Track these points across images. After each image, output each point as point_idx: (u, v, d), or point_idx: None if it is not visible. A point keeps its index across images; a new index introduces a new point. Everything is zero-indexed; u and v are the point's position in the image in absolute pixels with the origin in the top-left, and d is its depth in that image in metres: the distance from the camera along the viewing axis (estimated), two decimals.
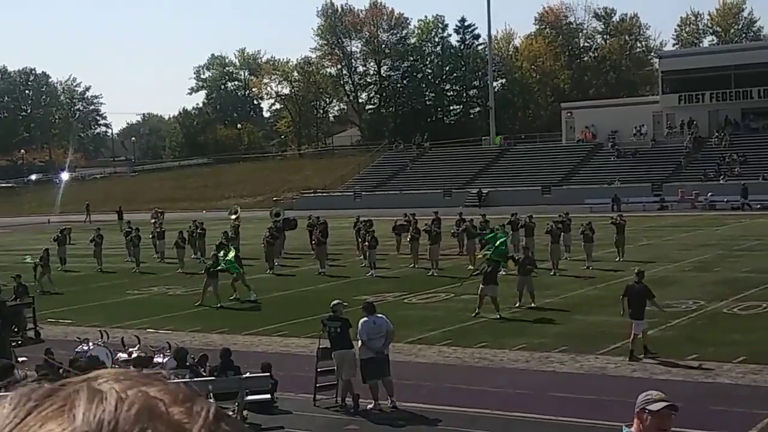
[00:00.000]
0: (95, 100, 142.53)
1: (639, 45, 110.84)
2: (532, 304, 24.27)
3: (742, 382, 16.62)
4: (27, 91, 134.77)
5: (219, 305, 27.11)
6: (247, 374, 15.82)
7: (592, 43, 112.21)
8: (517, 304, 24.31)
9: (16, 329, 23.66)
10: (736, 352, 18.41)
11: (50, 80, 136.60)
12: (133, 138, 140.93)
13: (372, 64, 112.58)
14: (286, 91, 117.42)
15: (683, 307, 23.61)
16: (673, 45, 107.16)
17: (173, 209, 75.20)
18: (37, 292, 30.08)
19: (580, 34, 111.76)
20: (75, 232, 47.52)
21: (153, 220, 50.12)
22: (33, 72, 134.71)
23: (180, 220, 50.24)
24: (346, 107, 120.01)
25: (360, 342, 16.05)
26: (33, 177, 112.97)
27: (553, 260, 31.09)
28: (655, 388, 16.55)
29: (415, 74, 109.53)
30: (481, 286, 23.82)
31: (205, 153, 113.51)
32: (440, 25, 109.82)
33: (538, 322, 22.74)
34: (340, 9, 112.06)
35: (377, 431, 15.32)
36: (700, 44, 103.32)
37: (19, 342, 22.64)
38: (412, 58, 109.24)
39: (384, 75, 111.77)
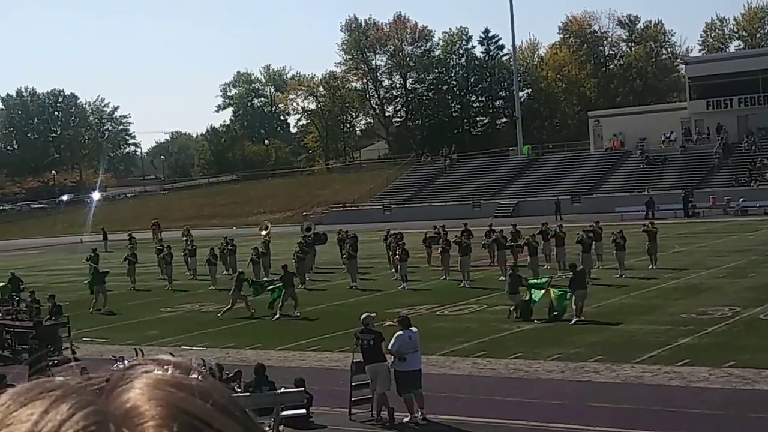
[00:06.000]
0: (124, 120, 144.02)
1: (664, 52, 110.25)
2: (576, 318, 23.61)
3: None
4: (56, 113, 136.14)
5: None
6: (282, 389, 15.83)
7: (617, 50, 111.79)
8: (578, 318, 23.60)
9: (52, 349, 23.85)
10: None
11: (79, 101, 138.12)
12: (162, 156, 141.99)
13: (397, 77, 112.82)
14: (313, 106, 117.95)
15: (719, 314, 23.39)
16: (699, 51, 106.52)
17: (203, 226, 75.67)
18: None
19: (605, 42, 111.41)
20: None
21: (184, 238, 50.46)
22: (62, 93, 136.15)
23: (211, 237, 50.49)
24: (372, 121, 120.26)
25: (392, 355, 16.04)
26: (64, 197, 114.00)
27: (586, 270, 30.88)
28: (693, 396, 16.50)
29: (440, 86, 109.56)
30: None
31: (233, 170, 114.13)
32: (464, 36, 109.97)
33: (573, 332, 22.61)
34: (364, 23, 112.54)
35: None
36: (727, 49, 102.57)
37: (56, 361, 22.81)
38: (437, 71, 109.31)
39: (410, 88, 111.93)
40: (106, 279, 34.04)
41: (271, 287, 29.78)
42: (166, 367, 0.91)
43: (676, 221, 53.92)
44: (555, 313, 24.26)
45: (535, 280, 26.29)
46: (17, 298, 31.83)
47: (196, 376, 0.90)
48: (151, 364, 0.91)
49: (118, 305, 33.66)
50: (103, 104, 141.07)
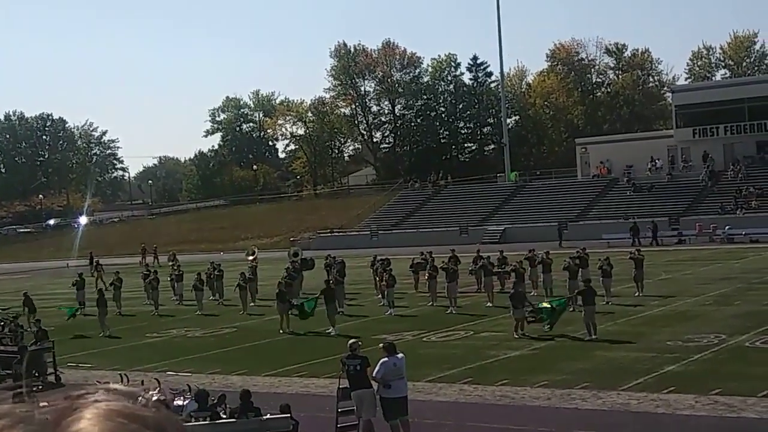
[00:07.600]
0: (112, 145, 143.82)
1: (651, 80, 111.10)
2: (592, 336, 24.67)
3: (767, 417, 16.44)
4: (44, 137, 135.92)
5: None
6: (268, 416, 15.76)
7: (604, 78, 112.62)
8: (586, 338, 24.72)
9: (36, 374, 23.68)
10: (761, 386, 18.21)
11: (67, 125, 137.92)
12: (150, 181, 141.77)
13: (386, 103, 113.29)
14: (301, 131, 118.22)
15: (705, 342, 23.43)
16: (686, 79, 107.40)
17: (191, 251, 75.44)
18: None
19: (592, 69, 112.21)
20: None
21: (170, 263, 50.33)
22: (50, 117, 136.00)
23: (198, 262, 50.34)
24: (360, 147, 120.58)
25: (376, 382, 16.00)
26: (51, 222, 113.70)
27: (572, 296, 30.94)
28: (679, 423, 16.48)
29: (428, 113, 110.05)
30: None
31: (221, 195, 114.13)
32: (453, 63, 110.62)
33: (559, 359, 22.61)
34: (353, 49, 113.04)
35: None
36: (713, 78, 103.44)
37: (40, 387, 22.64)
38: (425, 97, 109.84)
39: (398, 114, 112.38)
40: (107, 304, 34.02)
41: (307, 301, 31.09)
42: (116, 396, 0.87)
43: (663, 248, 54.08)
44: (547, 326, 25.79)
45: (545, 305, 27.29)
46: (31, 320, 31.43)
47: (148, 405, 0.86)
48: (102, 393, 0.88)
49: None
50: (91, 128, 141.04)
